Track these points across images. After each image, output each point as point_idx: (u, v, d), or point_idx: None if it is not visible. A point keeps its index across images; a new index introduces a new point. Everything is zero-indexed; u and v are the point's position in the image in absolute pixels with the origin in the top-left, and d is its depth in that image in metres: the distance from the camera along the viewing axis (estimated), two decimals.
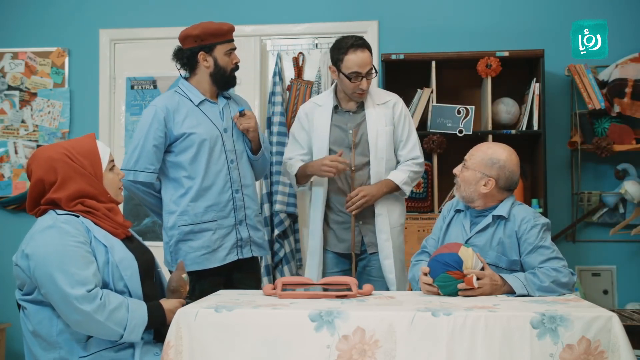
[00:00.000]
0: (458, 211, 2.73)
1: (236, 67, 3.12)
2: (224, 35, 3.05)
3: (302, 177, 3.25)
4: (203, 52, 3.04)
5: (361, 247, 3.22)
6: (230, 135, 3.09)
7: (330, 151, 3.19)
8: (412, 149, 3.23)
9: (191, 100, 3.07)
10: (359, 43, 3.11)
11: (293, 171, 3.25)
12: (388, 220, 3.18)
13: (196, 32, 3.02)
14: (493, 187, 2.56)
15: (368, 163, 3.17)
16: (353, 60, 3.09)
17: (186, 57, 3.07)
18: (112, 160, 2.42)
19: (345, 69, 3.11)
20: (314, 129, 3.23)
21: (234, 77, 3.13)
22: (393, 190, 3.18)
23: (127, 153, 3.04)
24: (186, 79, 3.14)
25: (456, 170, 2.67)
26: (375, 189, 3.13)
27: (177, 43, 3.12)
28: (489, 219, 2.59)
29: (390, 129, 3.20)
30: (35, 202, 2.32)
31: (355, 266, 3.20)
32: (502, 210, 2.58)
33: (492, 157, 2.58)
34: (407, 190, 3.21)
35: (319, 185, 3.25)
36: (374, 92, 3.28)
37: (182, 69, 3.13)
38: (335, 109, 3.23)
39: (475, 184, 2.58)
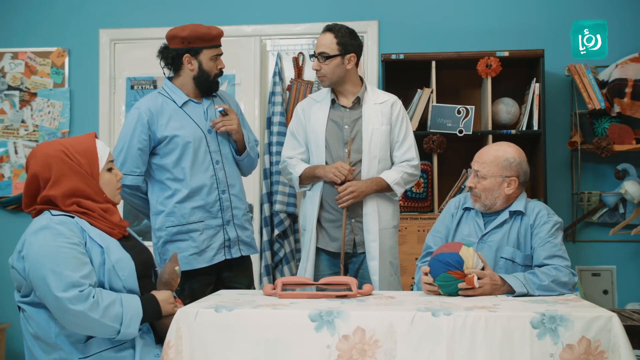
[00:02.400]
0: (467, 209, 2.74)
1: (220, 73, 3.09)
2: (212, 40, 3.02)
3: (308, 178, 3.21)
4: (188, 54, 3.01)
5: (353, 247, 3.18)
6: (214, 136, 3.07)
7: (327, 146, 3.17)
8: (408, 150, 3.19)
9: (174, 102, 3.05)
10: (325, 27, 3.19)
11: (297, 172, 3.20)
12: (377, 220, 3.13)
13: (184, 33, 2.99)
14: (516, 185, 2.61)
15: (361, 161, 3.15)
16: (316, 42, 3.21)
17: (171, 57, 3.04)
18: (112, 161, 2.40)
19: None
20: (310, 123, 3.21)
21: (217, 83, 3.11)
22: (384, 189, 3.14)
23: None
24: (170, 79, 3.11)
25: (471, 183, 2.66)
26: (364, 185, 3.10)
27: None
28: (505, 215, 2.63)
29: (387, 128, 3.17)
30: (30, 199, 2.30)
31: (344, 265, 3.15)
32: (518, 205, 2.63)
33: (506, 158, 2.62)
34: (399, 191, 3.16)
35: (316, 184, 3.21)
36: (373, 92, 3.27)
37: (165, 67, 3.09)
38: (333, 103, 3.23)
39: (498, 189, 2.61)
